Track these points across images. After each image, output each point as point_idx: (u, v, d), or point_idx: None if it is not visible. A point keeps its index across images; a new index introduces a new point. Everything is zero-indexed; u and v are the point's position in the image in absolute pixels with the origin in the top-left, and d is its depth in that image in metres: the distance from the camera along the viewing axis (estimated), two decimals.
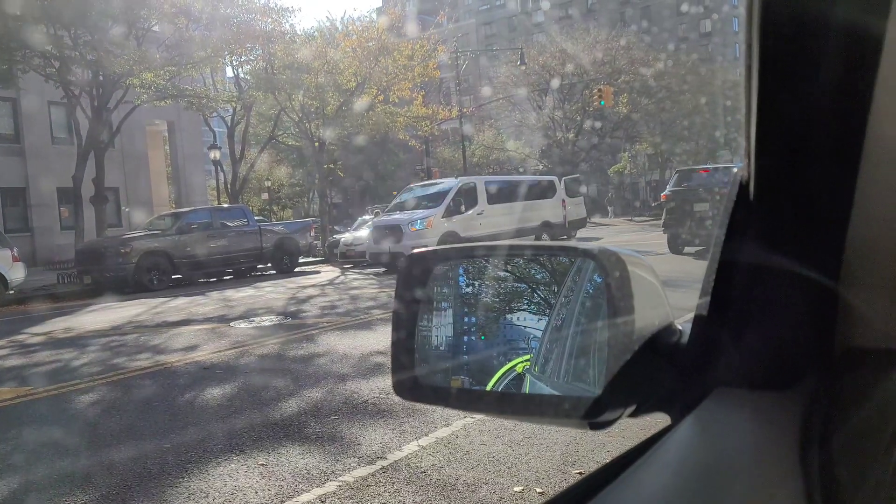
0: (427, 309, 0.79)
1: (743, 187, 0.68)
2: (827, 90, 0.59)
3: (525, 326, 0.73)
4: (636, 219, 42.34)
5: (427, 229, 15.64)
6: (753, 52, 0.59)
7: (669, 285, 0.78)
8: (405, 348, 0.79)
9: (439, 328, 0.79)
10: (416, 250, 0.83)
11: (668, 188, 16.57)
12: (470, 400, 0.77)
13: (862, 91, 0.57)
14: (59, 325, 11.03)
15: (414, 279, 0.80)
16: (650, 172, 54.17)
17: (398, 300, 0.80)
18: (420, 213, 16.27)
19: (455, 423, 4.43)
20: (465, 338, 0.77)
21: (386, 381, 5.63)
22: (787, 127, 0.63)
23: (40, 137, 26.47)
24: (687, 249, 15.38)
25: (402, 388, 0.80)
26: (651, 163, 52.45)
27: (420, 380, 0.79)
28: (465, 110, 35.51)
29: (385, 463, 3.86)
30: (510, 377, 0.73)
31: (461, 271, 0.79)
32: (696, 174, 16.92)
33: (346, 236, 21.39)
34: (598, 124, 47.02)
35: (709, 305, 0.69)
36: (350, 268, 19.43)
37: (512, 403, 0.73)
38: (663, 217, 16.12)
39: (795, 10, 0.57)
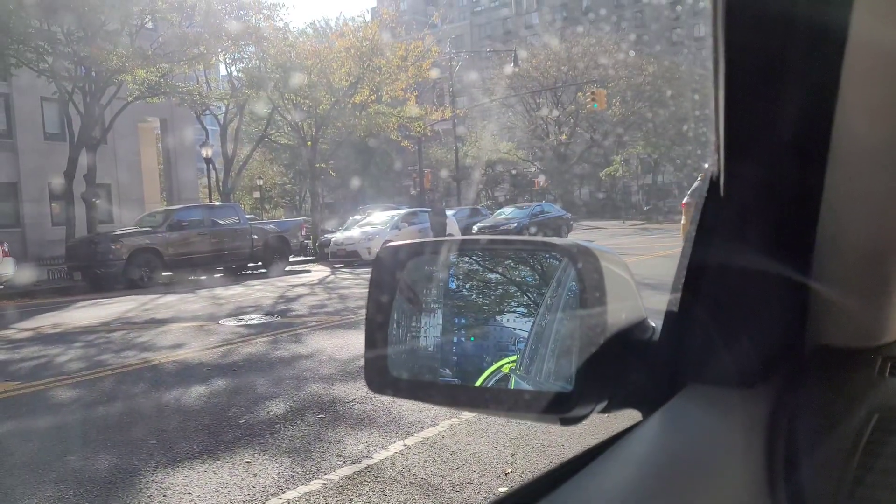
0: (416, 309, 0.79)
1: (713, 184, 0.67)
2: (793, 87, 0.59)
3: (514, 328, 0.72)
4: (627, 222, 42.46)
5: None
6: (719, 50, 0.58)
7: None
8: (378, 342, 0.79)
9: (427, 329, 0.78)
10: (388, 244, 0.82)
11: (688, 197, 15.50)
12: (448, 393, 0.77)
13: (827, 88, 0.57)
14: (47, 321, 10.95)
15: (386, 273, 0.79)
16: (643, 176, 54.32)
17: (371, 295, 0.79)
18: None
19: (441, 424, 4.42)
20: (454, 338, 0.76)
21: None
22: (755, 124, 0.62)
23: (32, 133, 26.22)
24: None
25: (373, 382, 0.80)
26: (644, 167, 52.59)
27: (392, 373, 0.79)
28: (458, 112, 35.51)
29: (370, 462, 3.85)
30: (496, 378, 0.72)
31: (451, 273, 0.78)
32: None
33: (336, 236, 21.40)
34: (588, 127, 47.21)
35: (679, 302, 0.69)
36: (340, 267, 19.39)
37: (484, 396, 0.72)
38: (684, 223, 15.40)
39: (759, 7, 0.56)
